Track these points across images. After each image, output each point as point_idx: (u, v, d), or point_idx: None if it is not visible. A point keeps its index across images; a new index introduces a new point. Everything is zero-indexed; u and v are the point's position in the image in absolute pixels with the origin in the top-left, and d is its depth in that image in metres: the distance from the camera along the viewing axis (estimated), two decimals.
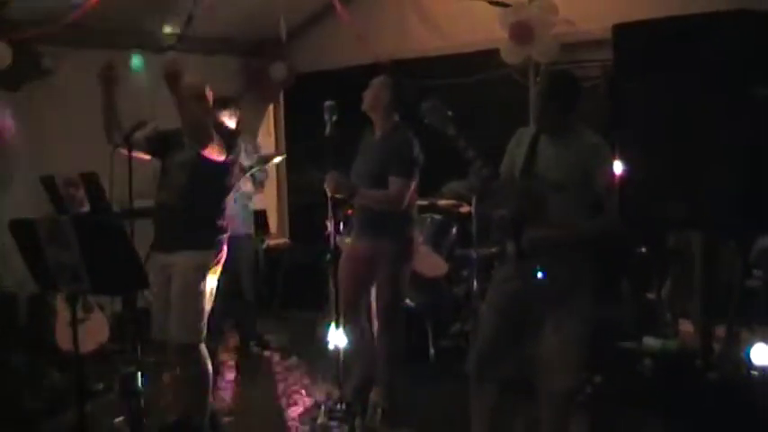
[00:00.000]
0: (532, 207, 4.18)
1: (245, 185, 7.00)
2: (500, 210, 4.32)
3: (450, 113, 4.26)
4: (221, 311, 6.79)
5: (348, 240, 5.72)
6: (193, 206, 4.91)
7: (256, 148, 7.46)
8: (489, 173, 4.21)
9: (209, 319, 5.02)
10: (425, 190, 6.83)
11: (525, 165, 4.28)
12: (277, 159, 7.61)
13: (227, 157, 4.90)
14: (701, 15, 4.58)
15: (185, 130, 4.83)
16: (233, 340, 7.46)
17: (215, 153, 4.83)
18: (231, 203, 6.73)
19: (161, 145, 5.07)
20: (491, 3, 7.05)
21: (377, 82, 5.37)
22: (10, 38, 6.64)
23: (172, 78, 4.56)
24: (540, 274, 4.16)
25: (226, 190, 5.08)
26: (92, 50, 7.31)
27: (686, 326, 6.19)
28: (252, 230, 7.27)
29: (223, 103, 6.61)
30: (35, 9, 6.55)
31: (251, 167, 6.95)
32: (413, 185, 5.24)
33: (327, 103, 5.14)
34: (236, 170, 5.17)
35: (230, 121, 6.69)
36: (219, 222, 5.04)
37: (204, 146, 4.76)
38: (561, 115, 4.25)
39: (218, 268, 5.04)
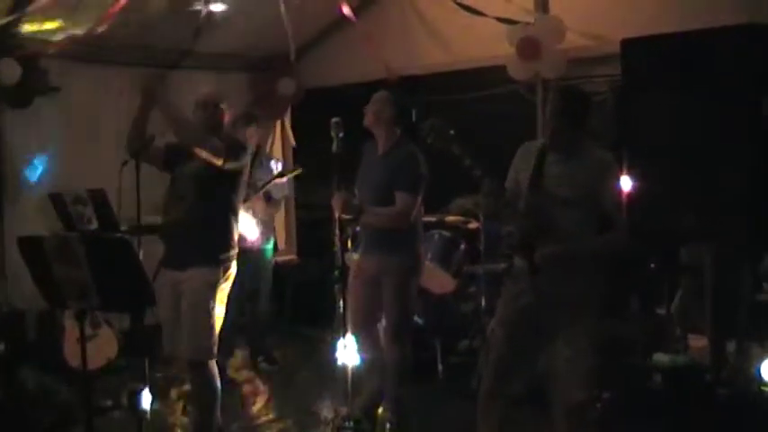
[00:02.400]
0: (542, 223, 4.17)
1: (257, 204, 6.99)
2: (509, 226, 4.31)
3: (452, 132, 4.24)
4: (234, 328, 6.82)
5: (356, 257, 5.71)
6: (202, 221, 4.90)
7: (277, 165, 7.47)
8: (498, 190, 4.21)
9: (219, 335, 5.02)
10: (433, 206, 6.84)
11: (533, 180, 4.28)
12: (293, 174, 7.53)
13: (224, 163, 4.88)
14: (708, 30, 4.59)
15: (174, 133, 4.83)
16: (242, 357, 7.45)
17: (208, 155, 4.80)
18: (248, 218, 6.79)
19: (173, 157, 5.09)
20: (498, 19, 7.06)
21: (377, 98, 5.35)
22: (18, 55, 6.67)
23: (148, 95, 4.57)
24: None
25: (234, 204, 5.07)
26: (99, 66, 7.35)
27: (696, 341, 6.16)
28: (270, 245, 7.27)
29: (248, 118, 6.66)
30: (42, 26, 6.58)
31: (266, 183, 6.94)
32: (419, 200, 5.24)
33: (334, 119, 5.14)
34: (244, 183, 5.16)
35: (252, 138, 6.73)
36: (229, 237, 5.03)
37: (194, 144, 4.74)
38: (572, 132, 4.25)
39: (228, 283, 5.04)
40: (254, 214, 6.97)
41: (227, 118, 5.21)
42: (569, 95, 4.41)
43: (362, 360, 5.37)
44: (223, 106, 5.15)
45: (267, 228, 7.19)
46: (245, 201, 6.55)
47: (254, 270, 7.01)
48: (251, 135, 6.72)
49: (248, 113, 6.72)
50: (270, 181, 6.97)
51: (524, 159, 4.42)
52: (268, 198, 7.05)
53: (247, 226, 6.77)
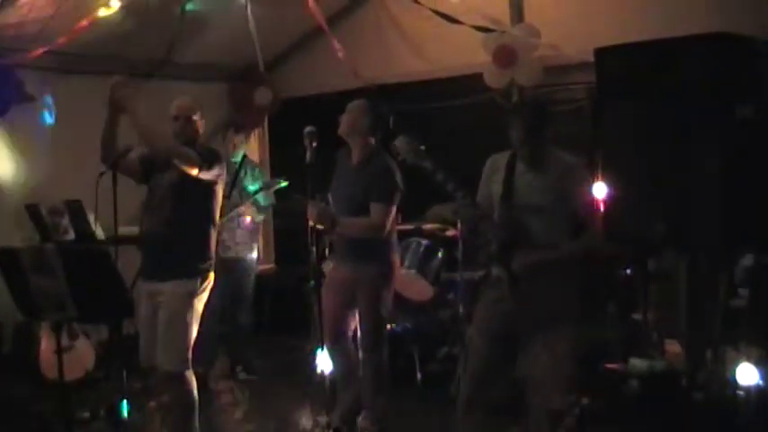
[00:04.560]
0: (517, 232, 4.20)
1: (248, 210, 6.99)
2: (486, 237, 4.34)
3: (423, 147, 4.27)
4: (216, 337, 6.80)
5: (331, 265, 5.73)
6: (179, 233, 4.90)
7: (261, 174, 7.47)
8: (472, 203, 4.26)
9: (201, 345, 5.01)
10: (410, 214, 6.85)
11: (505, 191, 4.32)
12: (279, 186, 7.49)
13: (199, 171, 4.88)
14: (682, 38, 4.63)
15: (146, 146, 4.82)
16: (221, 366, 7.42)
17: (182, 164, 4.80)
18: (234, 228, 6.81)
19: (149, 167, 5.07)
20: (474, 27, 7.09)
21: (353, 107, 5.35)
22: None
23: (117, 104, 4.56)
24: None
25: (211, 214, 5.06)
26: (76, 77, 7.33)
27: (672, 346, 6.20)
28: (254, 255, 7.28)
29: (237, 127, 6.67)
30: (19, 35, 6.54)
31: (256, 192, 6.95)
32: (394, 211, 5.25)
33: (307, 129, 5.09)
34: (221, 189, 5.15)
35: (242, 146, 6.76)
36: (206, 248, 5.03)
37: (164, 154, 4.74)
38: (537, 140, 4.29)
39: (205, 294, 5.03)
40: (243, 223, 6.98)
41: (201, 128, 5.20)
42: (533, 107, 4.46)
43: (336, 369, 5.36)
44: (196, 117, 5.13)
45: (252, 238, 7.20)
46: (235, 207, 6.60)
47: (237, 280, 7.00)
48: (239, 143, 6.74)
49: (237, 122, 6.74)
50: (256, 192, 6.97)
51: (494, 171, 4.46)
52: (258, 206, 7.08)
53: (238, 234, 6.82)
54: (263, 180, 7.27)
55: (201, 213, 5.01)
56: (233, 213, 6.79)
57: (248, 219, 7.05)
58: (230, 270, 6.83)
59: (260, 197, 7.03)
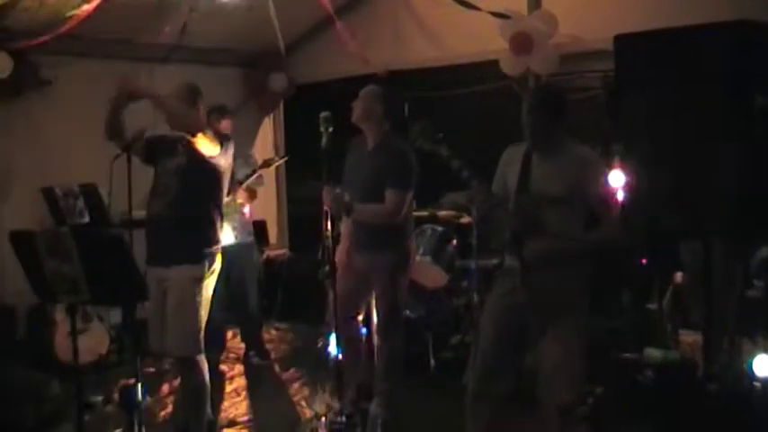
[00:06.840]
0: (532, 222, 4.18)
1: (240, 195, 6.96)
2: (501, 226, 4.32)
3: (440, 135, 4.25)
4: (222, 321, 6.80)
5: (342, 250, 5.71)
6: (185, 217, 4.88)
7: (249, 159, 7.43)
8: (488, 191, 4.23)
9: (209, 330, 5.01)
10: (425, 201, 6.83)
11: (521, 181, 4.29)
12: (280, 161, 7.45)
13: (219, 151, 4.88)
14: (702, 26, 4.59)
15: (171, 122, 4.80)
16: (234, 351, 7.44)
17: (207, 144, 4.80)
18: (231, 214, 6.78)
19: (154, 151, 5.06)
20: (491, 14, 7.05)
21: (366, 92, 5.32)
22: (9, 48, 6.64)
23: (133, 95, 4.56)
24: None
25: (217, 198, 5.04)
26: (91, 60, 7.34)
27: (686, 336, 6.18)
28: (252, 239, 7.26)
29: (220, 110, 6.62)
30: (34, 19, 6.54)
31: (248, 176, 6.91)
32: (410, 197, 5.23)
33: (323, 114, 5.05)
34: (228, 176, 5.13)
35: (226, 130, 6.68)
36: (212, 233, 5.01)
37: (194, 133, 4.72)
38: (552, 130, 4.26)
39: (213, 278, 5.02)
40: (241, 209, 6.95)
41: (202, 112, 5.17)
42: (545, 95, 4.43)
43: (342, 353, 5.33)
44: (198, 101, 5.11)
45: (248, 224, 7.17)
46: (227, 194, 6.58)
47: (237, 264, 6.97)
48: (225, 127, 6.68)
49: (221, 106, 6.68)
50: (259, 168, 6.92)
51: (510, 162, 4.43)
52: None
53: (234, 220, 6.79)
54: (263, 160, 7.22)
55: (208, 198, 4.99)
56: (228, 199, 6.73)
57: (247, 208, 7.03)
58: (229, 255, 6.82)
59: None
